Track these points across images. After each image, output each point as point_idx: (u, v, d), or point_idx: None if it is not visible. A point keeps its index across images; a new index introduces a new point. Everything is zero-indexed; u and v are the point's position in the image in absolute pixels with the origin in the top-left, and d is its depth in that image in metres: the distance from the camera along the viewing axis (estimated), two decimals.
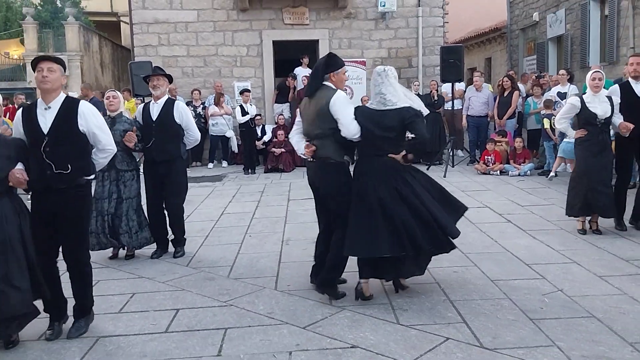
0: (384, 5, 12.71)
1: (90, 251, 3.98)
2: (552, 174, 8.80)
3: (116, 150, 3.97)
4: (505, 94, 10.68)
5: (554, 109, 8.96)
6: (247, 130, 11.20)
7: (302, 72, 12.58)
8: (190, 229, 6.04)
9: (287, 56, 13.15)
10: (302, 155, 4.46)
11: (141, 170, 5.52)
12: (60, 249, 3.75)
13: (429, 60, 13.19)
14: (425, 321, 3.76)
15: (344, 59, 4.41)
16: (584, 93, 5.89)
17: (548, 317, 3.74)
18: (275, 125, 12.12)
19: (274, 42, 12.96)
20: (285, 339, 3.57)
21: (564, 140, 8.45)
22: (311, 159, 4.23)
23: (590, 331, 3.52)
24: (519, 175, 9.53)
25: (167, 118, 5.34)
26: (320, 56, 12.67)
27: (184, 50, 12.84)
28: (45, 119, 3.56)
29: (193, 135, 5.54)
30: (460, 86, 12.01)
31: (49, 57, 3.68)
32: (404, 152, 4.00)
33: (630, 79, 5.82)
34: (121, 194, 5.24)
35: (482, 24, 20.41)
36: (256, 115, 11.52)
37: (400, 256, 3.98)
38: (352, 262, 4.22)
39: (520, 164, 9.76)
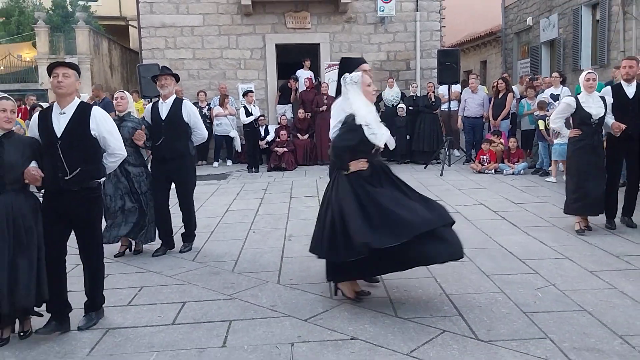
0: (383, 10, 12.85)
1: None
2: (552, 179, 8.85)
3: (126, 154, 4.04)
4: (499, 96, 10.79)
5: (547, 110, 9.01)
6: (250, 131, 11.30)
7: (304, 75, 12.71)
8: None
9: (289, 59, 13.26)
10: None
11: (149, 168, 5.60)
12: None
13: (426, 63, 13.27)
14: (422, 314, 3.82)
15: None
16: (578, 94, 5.96)
17: (541, 311, 3.80)
18: (278, 126, 12.24)
19: (276, 45, 13.07)
20: (288, 331, 3.64)
21: (556, 142, 8.50)
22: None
23: (582, 324, 3.57)
24: (513, 174, 9.64)
25: (176, 116, 5.40)
26: (322, 59, 12.97)
27: (190, 53, 12.98)
28: (59, 123, 3.65)
29: (200, 134, 5.62)
30: (456, 88, 12.14)
31: (64, 62, 3.76)
32: None
33: (622, 81, 5.86)
34: (130, 189, 5.32)
35: (478, 28, 20.54)
36: (260, 115, 11.62)
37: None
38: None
39: (514, 163, 9.87)
